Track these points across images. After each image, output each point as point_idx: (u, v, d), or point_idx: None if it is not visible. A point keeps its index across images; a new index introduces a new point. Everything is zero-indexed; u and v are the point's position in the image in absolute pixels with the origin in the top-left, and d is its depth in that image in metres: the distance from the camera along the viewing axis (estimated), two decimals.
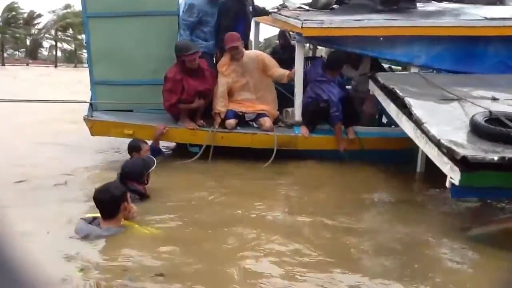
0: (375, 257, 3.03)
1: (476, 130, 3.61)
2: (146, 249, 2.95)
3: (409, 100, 4.23)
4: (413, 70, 5.74)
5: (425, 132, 3.74)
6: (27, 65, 42.63)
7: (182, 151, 5.95)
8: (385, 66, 7.39)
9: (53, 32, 51.17)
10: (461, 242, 3.31)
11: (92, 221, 3.15)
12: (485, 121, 3.64)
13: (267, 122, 5.81)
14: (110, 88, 5.97)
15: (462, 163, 3.25)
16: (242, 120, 5.91)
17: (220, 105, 5.78)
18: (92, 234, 3.04)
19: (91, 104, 5.98)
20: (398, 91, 4.49)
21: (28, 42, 52.93)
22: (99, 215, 3.16)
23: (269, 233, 3.37)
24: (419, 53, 5.72)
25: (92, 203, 3.20)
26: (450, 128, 3.72)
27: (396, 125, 4.78)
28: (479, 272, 2.87)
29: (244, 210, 3.91)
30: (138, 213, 3.46)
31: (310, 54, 8.25)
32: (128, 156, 4.84)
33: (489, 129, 3.55)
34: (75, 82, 15.69)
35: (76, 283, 2.45)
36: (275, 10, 6.56)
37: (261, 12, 6.60)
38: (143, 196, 4.01)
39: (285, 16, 6.18)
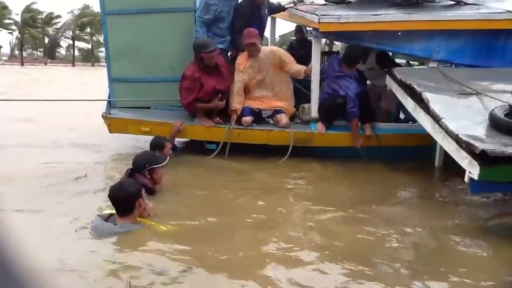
0: (394, 250, 3.00)
1: (496, 124, 3.54)
2: (166, 246, 2.94)
3: (426, 95, 4.17)
4: (432, 65, 5.65)
5: (443, 127, 3.68)
6: (46, 64, 43.38)
7: (197, 147, 5.97)
8: (402, 61, 7.30)
9: (71, 31, 52.06)
10: (478, 234, 3.26)
11: (108, 217, 3.15)
12: (505, 115, 3.57)
13: (283, 118, 5.79)
14: (127, 85, 6.03)
15: (481, 157, 3.19)
16: (259, 117, 5.90)
17: (236, 102, 5.78)
18: (108, 231, 3.04)
19: (109, 102, 6.05)
20: (415, 86, 4.42)
21: (46, 41, 53.91)
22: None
23: (289, 228, 3.38)
24: (438, 48, 5.62)
25: None
26: (469, 123, 3.65)
27: (414, 121, 4.72)
28: (496, 264, 2.83)
29: (262, 205, 3.91)
30: (153, 209, 3.47)
31: (327, 49, 8.20)
32: None
33: (509, 123, 3.48)
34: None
35: (106, 281, 2.46)
36: (292, 5, 6.52)
37: (277, 8, 6.57)
38: (150, 192, 3.91)
39: (302, 11, 6.14)
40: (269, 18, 6.73)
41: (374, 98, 6.20)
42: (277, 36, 8.40)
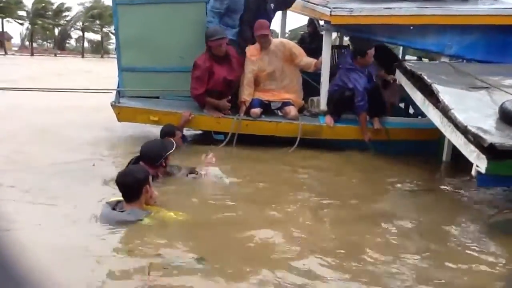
0: (398, 242, 2.98)
1: (505, 118, 3.50)
2: (177, 233, 2.96)
3: (436, 87, 4.13)
4: (444, 59, 5.60)
5: (451, 119, 3.65)
6: (55, 55, 43.69)
7: (206, 138, 5.98)
8: (413, 58, 7.23)
9: (81, 23, 52.45)
10: (483, 229, 3.24)
11: (116, 204, 3.15)
12: None
13: (292, 110, 5.78)
14: (137, 74, 6.05)
15: (489, 151, 3.15)
16: (268, 109, 5.90)
17: (246, 94, 5.78)
18: (116, 219, 3.04)
19: (118, 91, 6.07)
20: (425, 77, 4.38)
21: (56, 33, 54.37)
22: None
23: (297, 217, 3.40)
24: (450, 43, 5.58)
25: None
26: (478, 115, 3.62)
27: (423, 115, 4.69)
28: (499, 260, 2.79)
29: (269, 195, 3.92)
30: (160, 197, 3.47)
31: (337, 43, 8.15)
32: None
33: None
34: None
35: (123, 266, 2.47)
36: None
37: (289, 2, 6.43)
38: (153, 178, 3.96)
39: (314, 3, 6.11)
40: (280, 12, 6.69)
41: None
42: (287, 30, 8.33)
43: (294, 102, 5.87)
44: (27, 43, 53.46)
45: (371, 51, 5.56)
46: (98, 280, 2.30)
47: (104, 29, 52.45)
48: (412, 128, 5.59)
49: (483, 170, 3.18)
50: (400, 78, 5.11)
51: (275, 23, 6.70)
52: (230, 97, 5.77)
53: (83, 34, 53.13)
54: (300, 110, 5.92)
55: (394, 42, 5.92)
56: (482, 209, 3.76)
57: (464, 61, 5.89)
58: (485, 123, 3.45)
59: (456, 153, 3.88)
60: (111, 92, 6.15)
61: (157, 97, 6.15)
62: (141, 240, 2.81)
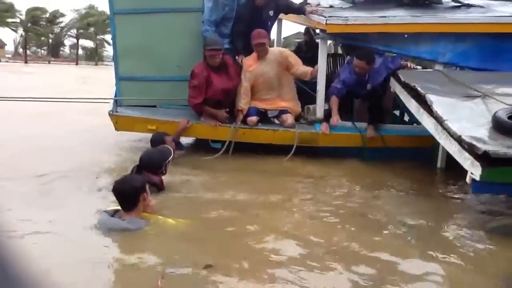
0: (390, 247, 3.03)
1: (499, 127, 3.56)
2: (180, 240, 3.01)
3: (430, 97, 4.19)
4: (437, 67, 5.68)
5: (446, 129, 3.71)
6: (49, 62, 43.53)
7: (202, 146, 6.02)
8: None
9: (75, 30, 52.41)
10: (478, 235, 3.29)
11: (114, 213, 3.17)
12: (508, 118, 3.59)
13: (289, 118, 5.84)
14: (134, 83, 6.09)
15: (484, 158, 3.21)
16: (265, 117, 5.96)
17: (243, 102, 5.83)
18: (116, 226, 3.06)
19: (115, 100, 6.11)
20: (419, 88, 4.45)
21: (50, 40, 54.28)
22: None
23: (296, 223, 3.46)
24: (444, 50, 5.66)
25: None
26: (472, 125, 3.68)
27: (418, 123, 4.75)
28: (494, 264, 2.86)
29: (268, 202, 3.97)
30: (158, 205, 3.51)
31: (332, 51, 8.24)
32: None
33: None
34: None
35: (129, 274, 2.49)
36: (301, 6, 6.53)
37: (295, 9, 6.41)
38: (159, 189, 4.03)
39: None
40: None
41: None
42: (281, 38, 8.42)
43: (291, 110, 5.93)
44: (20, 50, 53.32)
45: (359, 62, 5.55)
46: None
47: (99, 36, 52.40)
48: (407, 135, 5.65)
49: (477, 177, 3.24)
50: (394, 86, 5.18)
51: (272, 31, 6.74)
52: (228, 108, 5.81)
53: (77, 41, 53.07)
54: (297, 118, 5.97)
55: (388, 50, 5.98)
56: (477, 215, 3.82)
57: (458, 68, 5.98)
58: (478, 132, 3.51)
59: (450, 160, 3.93)
60: (108, 102, 6.18)
61: (154, 106, 6.18)
62: (146, 248, 2.86)
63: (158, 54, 5.98)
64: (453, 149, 3.60)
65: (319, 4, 6.58)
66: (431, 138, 4.30)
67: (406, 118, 6.46)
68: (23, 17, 51.11)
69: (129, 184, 3.18)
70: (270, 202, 3.98)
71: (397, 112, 6.52)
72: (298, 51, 7.59)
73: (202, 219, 3.48)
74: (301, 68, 5.95)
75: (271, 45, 6.89)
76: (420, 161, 5.39)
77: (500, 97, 4.19)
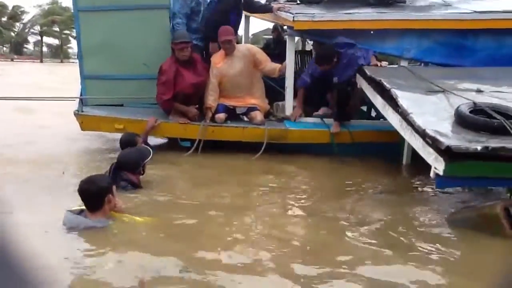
0: (357, 244, 3.07)
1: (461, 121, 3.64)
2: (150, 239, 2.98)
3: (395, 92, 4.26)
4: (403, 63, 5.78)
5: (410, 123, 3.78)
6: (12, 60, 42.30)
7: (172, 146, 5.97)
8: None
9: (38, 27, 51.06)
10: (441, 228, 3.37)
11: (79, 213, 3.11)
12: (470, 112, 3.68)
13: (258, 115, 5.84)
14: (100, 82, 5.98)
15: (446, 153, 3.28)
16: (233, 114, 5.94)
17: (211, 100, 5.79)
18: (81, 225, 3.00)
19: (81, 99, 5.98)
20: (385, 83, 4.51)
21: (13, 37, 52.76)
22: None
23: (264, 223, 3.46)
24: (409, 46, 5.76)
25: None
26: (435, 119, 3.75)
27: (385, 118, 4.82)
28: (459, 256, 2.94)
29: (234, 200, 3.97)
30: (129, 204, 3.48)
31: (300, 48, 8.27)
32: None
33: (473, 119, 3.59)
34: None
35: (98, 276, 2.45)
36: (266, 4, 6.55)
37: (260, 7, 6.45)
38: (136, 187, 4.04)
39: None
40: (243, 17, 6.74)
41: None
42: (250, 34, 8.42)
43: (259, 107, 5.93)
44: None
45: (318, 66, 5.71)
46: None
47: (64, 32, 51.14)
48: (375, 130, 5.73)
49: (441, 172, 3.31)
50: (361, 82, 5.24)
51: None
52: (197, 105, 5.77)
53: (42, 39, 51.66)
54: (266, 115, 5.98)
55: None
56: (441, 207, 3.91)
57: (422, 64, 6.10)
58: (442, 127, 3.59)
59: (416, 155, 4.01)
60: (74, 100, 6.04)
61: (121, 105, 6.08)
62: (115, 248, 2.81)
63: (125, 52, 5.89)
64: (418, 144, 3.66)
65: None
66: (397, 133, 4.37)
67: (373, 113, 6.53)
68: None
69: (95, 184, 3.11)
70: (239, 201, 3.99)
71: (364, 108, 6.60)
72: (266, 48, 7.60)
73: (171, 217, 3.46)
74: (269, 65, 5.95)
75: (239, 42, 6.87)
76: (388, 156, 5.47)
77: (461, 92, 4.30)
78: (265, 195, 4.25)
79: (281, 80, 6.03)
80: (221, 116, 5.78)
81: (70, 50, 50.92)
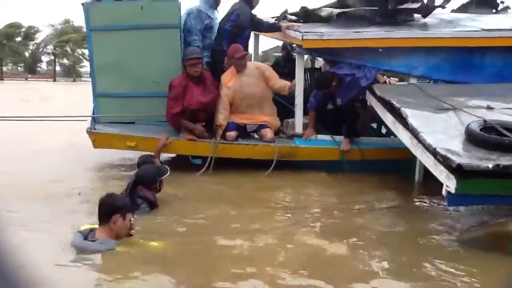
0: (368, 260, 3.08)
1: (472, 139, 3.66)
2: (161, 264, 3.00)
3: (405, 110, 4.29)
4: (412, 80, 5.82)
5: (421, 141, 3.80)
6: (26, 79, 42.90)
7: (183, 163, 6.01)
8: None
9: (51, 46, 51.80)
10: (454, 246, 3.37)
11: (88, 233, 3.15)
12: (480, 130, 3.69)
13: (268, 133, 5.89)
14: (112, 100, 6.07)
15: (458, 171, 3.29)
16: (244, 131, 5.99)
17: (222, 118, 5.85)
18: (87, 250, 3.05)
19: (93, 117, 6.07)
20: (394, 102, 4.55)
21: (27, 56, 53.51)
22: (96, 226, 3.19)
23: (274, 243, 3.46)
24: (417, 64, 5.80)
25: None
26: (446, 137, 3.77)
27: (395, 135, 4.85)
28: (470, 274, 2.92)
29: (247, 220, 3.99)
30: (148, 226, 3.52)
31: (309, 66, 8.35)
32: None
33: (484, 137, 3.60)
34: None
35: None
36: (275, 23, 6.64)
37: (269, 27, 6.53)
38: (152, 205, 4.09)
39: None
40: (252, 34, 6.85)
41: None
42: (260, 52, 8.52)
43: (270, 124, 5.98)
44: None
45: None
46: None
47: (76, 52, 51.87)
48: (385, 147, 5.75)
49: (452, 190, 3.31)
50: (370, 100, 5.28)
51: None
52: (204, 123, 5.83)
53: (55, 58, 52.41)
54: (276, 133, 6.02)
55: (363, 64, 6.08)
56: (453, 225, 3.90)
57: (431, 81, 6.13)
58: (452, 144, 3.60)
59: (428, 172, 4.02)
60: (86, 120, 6.12)
61: (133, 123, 6.16)
62: (128, 272, 2.83)
63: (136, 70, 5.97)
64: (429, 162, 3.68)
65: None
66: (408, 150, 4.39)
67: (383, 130, 6.56)
68: None
69: (111, 200, 3.20)
70: (251, 221, 3.98)
71: (374, 125, 6.63)
72: (276, 65, 7.68)
73: (181, 240, 3.47)
74: (278, 82, 6.02)
75: (249, 60, 6.95)
76: (399, 173, 5.48)
77: (471, 109, 4.32)
78: (277, 213, 4.27)
79: (291, 97, 6.08)
80: (232, 134, 5.83)
81: (82, 69, 51.58)
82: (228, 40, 6.01)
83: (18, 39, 52.58)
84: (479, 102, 4.57)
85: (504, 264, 3.05)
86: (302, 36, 5.72)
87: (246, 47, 6.23)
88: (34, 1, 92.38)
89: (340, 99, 5.78)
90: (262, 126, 5.96)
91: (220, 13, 6.41)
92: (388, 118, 4.69)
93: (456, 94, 4.88)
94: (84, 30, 6.50)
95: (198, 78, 5.70)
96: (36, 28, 52.94)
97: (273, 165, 5.57)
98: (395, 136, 4.94)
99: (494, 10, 7.21)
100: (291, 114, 6.09)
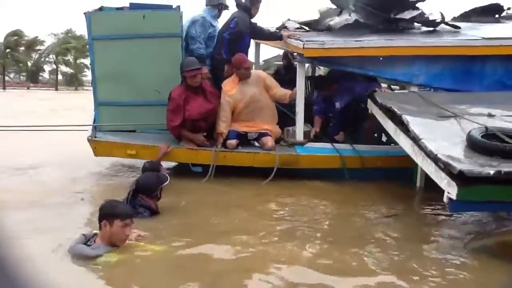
0: (371, 269, 3.06)
1: (473, 145, 3.65)
2: (164, 269, 3.00)
3: (406, 117, 4.29)
4: (412, 89, 5.82)
5: (422, 148, 3.79)
6: (28, 88, 43.11)
7: (183, 170, 6.01)
8: (384, 85, 7.48)
9: (54, 55, 52.10)
10: (459, 254, 3.33)
11: (92, 236, 3.19)
12: (482, 136, 3.69)
13: (269, 141, 5.89)
14: (114, 109, 6.09)
15: (459, 177, 3.28)
16: (245, 140, 5.99)
17: (223, 126, 5.86)
18: (80, 253, 3.07)
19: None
20: (395, 109, 4.55)
21: (29, 65, 53.79)
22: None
23: (275, 248, 3.45)
24: (418, 72, 5.81)
25: None
26: (447, 144, 3.76)
27: (396, 143, 4.84)
28: (476, 283, 2.88)
29: (246, 228, 3.96)
30: (149, 232, 3.51)
31: (310, 74, 8.36)
32: None
33: (486, 144, 3.60)
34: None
35: None
36: (276, 31, 6.67)
37: (270, 35, 6.60)
38: (153, 213, 4.11)
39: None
40: (252, 42, 6.89)
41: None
42: (261, 61, 8.56)
43: (271, 132, 5.98)
44: None
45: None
46: None
47: (78, 61, 52.11)
48: (386, 155, 5.74)
49: (454, 197, 3.30)
50: (372, 107, 5.28)
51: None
52: (205, 133, 5.84)
53: (57, 67, 52.69)
54: (277, 141, 6.02)
55: (364, 73, 6.12)
56: (457, 234, 3.87)
57: (432, 89, 6.14)
58: (454, 151, 3.60)
59: (429, 179, 4.00)
60: (87, 130, 6.13)
61: (134, 131, 6.16)
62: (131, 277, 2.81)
63: (137, 79, 6.00)
64: (430, 169, 3.67)
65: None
66: (409, 158, 4.38)
67: (384, 138, 6.56)
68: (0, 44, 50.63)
69: (109, 205, 3.21)
70: (251, 228, 3.96)
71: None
72: (276, 74, 7.71)
73: (179, 246, 3.45)
74: (279, 90, 6.04)
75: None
76: (400, 181, 5.47)
77: (473, 116, 4.32)
78: (277, 222, 4.23)
79: (291, 105, 6.09)
80: (233, 142, 5.83)
81: (84, 78, 51.83)
82: (227, 47, 6.06)
83: (21, 48, 52.86)
84: (480, 109, 4.57)
85: None
86: (304, 44, 5.74)
87: (246, 55, 6.26)
88: (37, 11, 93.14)
89: (339, 103, 6.02)
90: (263, 134, 5.96)
91: (219, 23, 6.50)
92: (389, 126, 4.69)
93: (457, 102, 4.89)
94: (86, 39, 6.51)
95: (198, 88, 5.72)
96: (38, 38, 53.30)
97: (273, 173, 5.56)
98: (395, 144, 4.94)
99: (497, 16, 7.21)
100: (292, 122, 6.09)
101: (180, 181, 5.49)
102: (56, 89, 45.19)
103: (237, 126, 5.97)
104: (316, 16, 6.94)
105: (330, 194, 5.15)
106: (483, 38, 5.84)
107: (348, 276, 2.95)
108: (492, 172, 3.24)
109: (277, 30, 6.71)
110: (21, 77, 55.84)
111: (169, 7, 6.13)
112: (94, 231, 3.25)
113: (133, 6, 6.08)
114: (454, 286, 2.84)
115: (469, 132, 3.79)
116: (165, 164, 6.00)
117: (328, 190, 5.30)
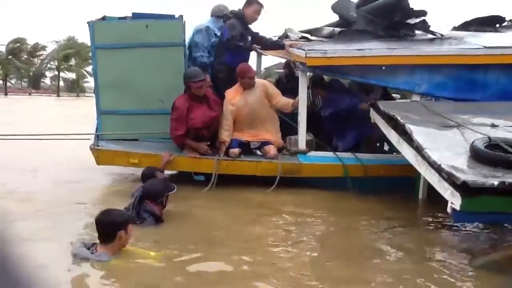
0: (371, 281, 3.04)
1: (476, 156, 3.64)
2: (158, 275, 2.99)
3: (409, 127, 4.29)
4: (415, 98, 5.82)
5: (425, 158, 3.78)
6: (30, 94, 43.25)
7: (185, 179, 6.00)
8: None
9: (55, 62, 52.33)
10: (465, 270, 3.31)
11: (91, 245, 3.15)
12: (485, 147, 3.68)
13: (271, 150, 5.88)
14: (116, 117, 6.09)
15: (463, 188, 3.26)
16: (247, 149, 5.99)
17: (225, 135, 5.87)
18: (82, 256, 3.05)
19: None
20: (399, 118, 4.55)
21: (31, 72, 54.02)
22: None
23: (274, 258, 3.44)
24: (420, 81, 5.81)
25: None
26: (451, 154, 3.75)
27: (398, 152, 4.83)
28: None
29: (247, 236, 3.97)
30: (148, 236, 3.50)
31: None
32: None
33: (489, 154, 3.58)
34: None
35: None
36: (278, 40, 6.68)
37: (272, 44, 6.59)
38: (158, 220, 4.09)
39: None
40: (255, 52, 6.89)
41: None
42: (262, 69, 8.58)
43: (273, 141, 5.98)
44: (0, 82, 52.78)
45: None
46: None
47: (80, 66, 52.34)
48: (388, 164, 5.73)
49: (457, 207, 3.28)
50: (374, 116, 5.28)
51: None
52: (209, 142, 5.84)
53: (59, 73, 52.88)
54: (279, 150, 6.01)
55: (366, 82, 6.13)
56: (460, 245, 3.86)
57: (434, 99, 6.14)
58: (457, 161, 3.58)
59: (432, 189, 3.99)
60: (89, 139, 6.13)
61: (136, 140, 6.16)
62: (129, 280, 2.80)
63: (140, 88, 6.01)
64: (433, 179, 3.65)
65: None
66: (412, 167, 4.37)
67: (386, 147, 6.55)
68: (3, 49, 50.89)
69: (111, 217, 3.15)
70: (253, 237, 3.97)
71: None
72: (278, 83, 7.70)
73: (174, 253, 3.44)
74: (282, 99, 6.05)
75: None
76: (403, 190, 5.45)
77: (476, 126, 4.31)
78: (278, 230, 4.24)
79: (294, 114, 6.09)
80: (235, 151, 5.83)
81: (85, 84, 52.06)
82: (228, 51, 6.06)
83: (24, 56, 53.11)
84: (483, 119, 4.56)
85: None
86: (306, 53, 5.75)
87: (246, 60, 6.28)
88: (40, 18, 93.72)
89: (323, 111, 6.28)
90: (265, 143, 5.96)
91: None
92: (392, 135, 4.68)
93: (460, 112, 4.88)
94: (88, 46, 6.53)
95: (202, 96, 5.74)
96: (41, 45, 53.57)
97: (276, 181, 5.55)
98: (397, 153, 4.93)
99: (498, 25, 7.21)
100: (294, 131, 6.09)
101: (182, 189, 5.48)
102: (58, 96, 45.30)
103: (239, 135, 5.98)
104: (316, 24, 6.99)
105: (332, 204, 5.15)
106: (485, 47, 5.84)
107: None
108: (496, 182, 3.23)
109: (279, 39, 6.72)
110: (23, 83, 56.02)
111: (171, 17, 6.15)
112: (93, 241, 3.22)
113: (135, 16, 6.11)
114: None
115: (473, 142, 3.77)
116: (166, 173, 6.00)
117: (330, 199, 5.29)
